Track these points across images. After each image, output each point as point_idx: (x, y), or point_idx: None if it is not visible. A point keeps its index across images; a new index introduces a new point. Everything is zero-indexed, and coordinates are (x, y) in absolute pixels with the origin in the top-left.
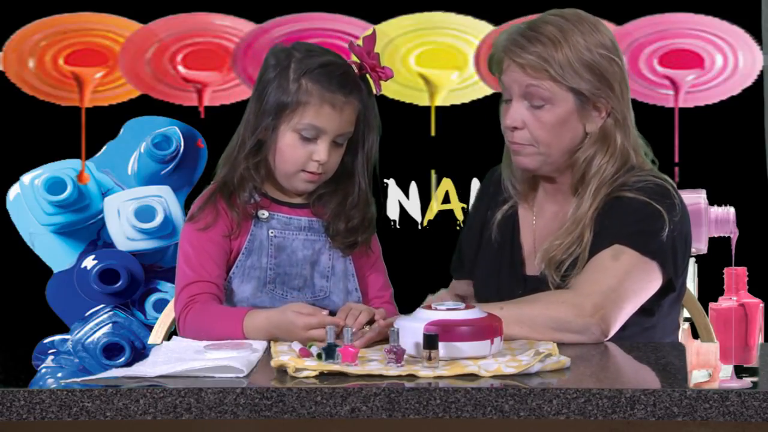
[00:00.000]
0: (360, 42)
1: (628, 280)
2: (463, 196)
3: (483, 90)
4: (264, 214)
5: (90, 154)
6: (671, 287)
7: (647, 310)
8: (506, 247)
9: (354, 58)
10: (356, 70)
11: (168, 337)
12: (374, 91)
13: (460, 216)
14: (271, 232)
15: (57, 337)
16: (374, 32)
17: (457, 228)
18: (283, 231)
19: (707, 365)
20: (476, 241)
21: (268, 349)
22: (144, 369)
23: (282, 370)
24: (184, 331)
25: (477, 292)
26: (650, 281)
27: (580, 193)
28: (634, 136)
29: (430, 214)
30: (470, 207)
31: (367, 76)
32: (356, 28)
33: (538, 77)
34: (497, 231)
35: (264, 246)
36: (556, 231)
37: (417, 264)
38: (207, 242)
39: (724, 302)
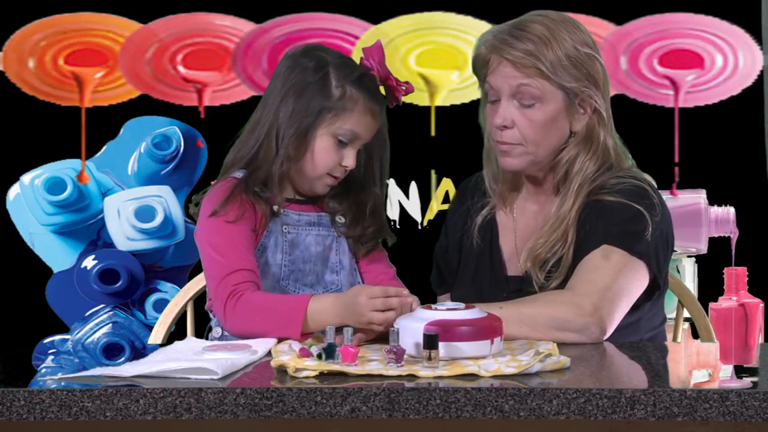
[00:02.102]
0: (361, 53)
1: (621, 278)
2: None
3: None
4: (279, 209)
5: (90, 154)
6: (656, 285)
7: (633, 305)
8: (486, 251)
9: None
10: (378, 82)
11: (168, 336)
12: (391, 104)
13: None
14: (285, 228)
15: (57, 337)
16: (379, 42)
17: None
18: (296, 227)
19: (707, 365)
20: (457, 251)
21: (269, 351)
22: (121, 369)
23: (282, 370)
24: (234, 322)
25: (458, 296)
26: (639, 280)
27: (562, 191)
28: (614, 134)
29: (430, 214)
30: (446, 223)
31: (382, 87)
32: (356, 28)
33: (529, 74)
34: (478, 235)
35: (279, 242)
36: (538, 230)
37: (417, 264)
38: (238, 234)
39: (724, 302)
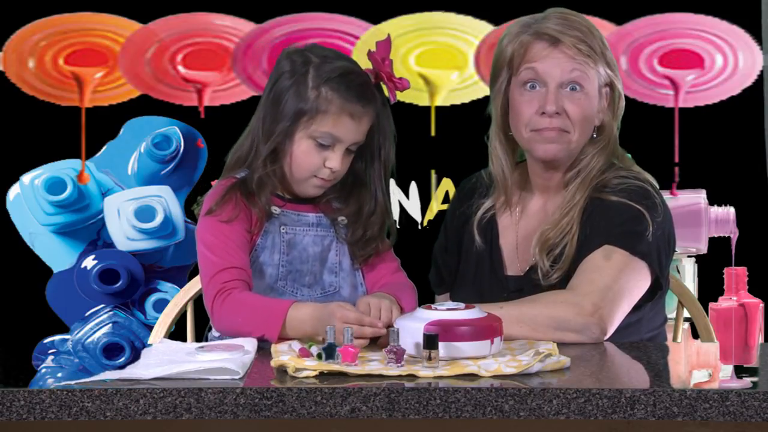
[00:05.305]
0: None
1: (622, 279)
2: None
3: (483, 90)
4: (276, 210)
5: (90, 154)
6: (658, 286)
7: (635, 306)
8: (486, 251)
9: (369, 66)
10: (372, 79)
11: (168, 336)
12: (389, 101)
13: None
14: (283, 229)
15: (57, 337)
16: (388, 37)
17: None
18: (294, 228)
19: (707, 365)
20: (457, 251)
21: (259, 351)
22: (138, 371)
23: (282, 370)
24: (220, 320)
25: (458, 297)
26: (640, 280)
27: (571, 181)
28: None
29: (430, 214)
30: (445, 222)
31: (382, 84)
32: (356, 28)
33: (582, 61)
34: (478, 235)
35: (276, 243)
36: (540, 226)
37: (417, 264)
38: (232, 233)
39: (724, 302)
